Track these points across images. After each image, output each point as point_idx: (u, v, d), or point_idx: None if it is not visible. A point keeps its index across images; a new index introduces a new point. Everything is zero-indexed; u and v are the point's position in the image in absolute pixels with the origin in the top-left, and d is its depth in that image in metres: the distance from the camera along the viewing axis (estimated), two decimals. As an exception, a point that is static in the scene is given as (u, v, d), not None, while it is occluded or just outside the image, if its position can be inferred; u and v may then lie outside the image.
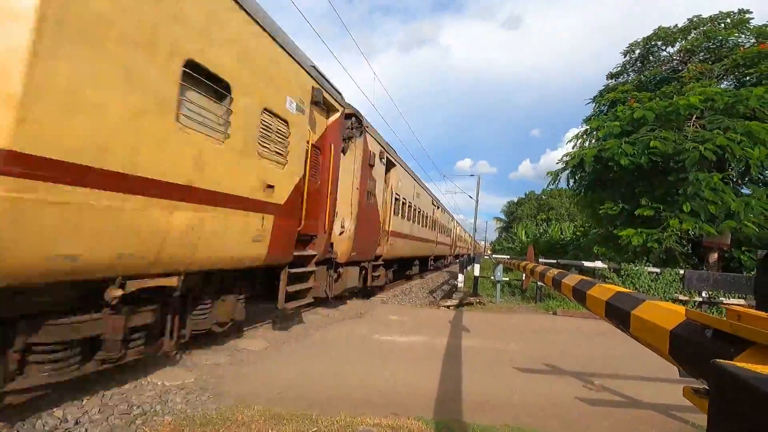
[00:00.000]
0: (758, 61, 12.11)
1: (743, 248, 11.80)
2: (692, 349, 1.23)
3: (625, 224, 11.88)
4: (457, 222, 38.35)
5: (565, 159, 13.31)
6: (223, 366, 4.70)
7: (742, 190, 12.07)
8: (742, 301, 9.94)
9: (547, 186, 14.79)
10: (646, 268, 11.10)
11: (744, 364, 0.79)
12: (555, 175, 13.97)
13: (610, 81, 17.18)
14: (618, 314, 1.85)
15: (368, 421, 3.44)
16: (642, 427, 3.82)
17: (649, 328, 1.53)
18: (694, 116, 11.43)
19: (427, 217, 18.70)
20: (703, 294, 10.39)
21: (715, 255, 11.93)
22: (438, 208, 22.87)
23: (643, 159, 10.92)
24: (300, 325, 7.12)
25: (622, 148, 11.17)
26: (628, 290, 2.04)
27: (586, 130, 14.19)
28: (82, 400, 3.47)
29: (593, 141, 13.92)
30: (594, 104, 16.35)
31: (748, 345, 1.03)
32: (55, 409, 3.26)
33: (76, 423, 3.14)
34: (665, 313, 1.48)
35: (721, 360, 0.77)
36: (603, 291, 2.17)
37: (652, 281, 10.85)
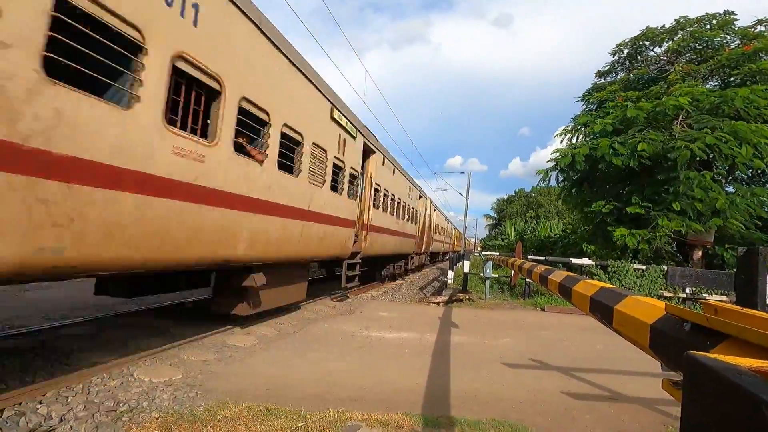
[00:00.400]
0: (743, 62, 12.35)
1: (726, 245, 12.06)
2: (671, 342, 1.26)
3: (616, 223, 12.06)
4: (432, 203, 24.48)
5: (555, 157, 13.41)
6: (211, 363, 4.68)
7: (726, 188, 12.34)
8: (724, 298, 10.17)
9: (537, 184, 14.90)
10: (632, 265, 11.30)
11: (718, 356, 0.81)
12: (545, 173, 14.10)
13: (598, 80, 17.38)
14: (601, 309, 1.88)
15: (357, 417, 3.46)
16: (625, 420, 3.90)
17: (631, 322, 1.56)
18: (680, 116, 11.63)
19: (318, 161, 7.40)
20: (687, 290, 10.60)
21: (699, 252, 12.18)
22: (378, 157, 11.31)
23: (632, 161, 11.10)
24: (289, 322, 7.10)
25: (614, 147, 11.32)
26: (611, 286, 2.08)
27: (575, 125, 14.33)
28: (67, 397, 3.43)
29: (581, 137, 14.08)
30: (583, 102, 16.54)
31: (724, 338, 1.06)
32: (39, 407, 3.22)
33: (61, 420, 3.11)
34: (646, 308, 1.51)
35: (694, 351, 0.79)
36: (587, 287, 2.21)
37: (637, 278, 11.05)
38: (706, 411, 0.71)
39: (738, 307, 1.10)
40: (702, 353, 0.78)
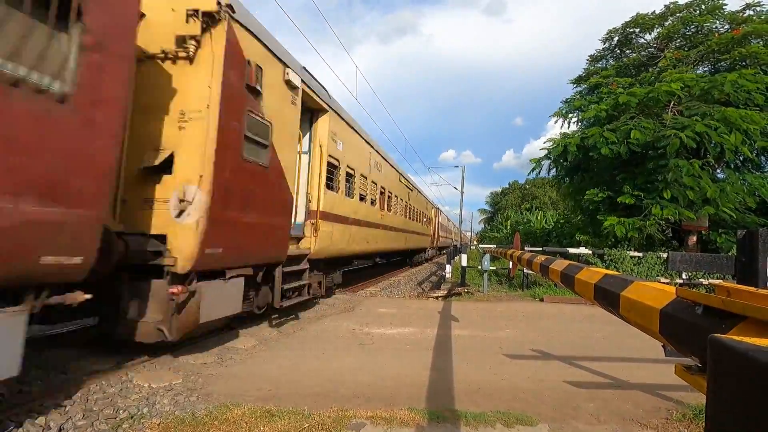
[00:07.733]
0: (732, 47, 12.39)
1: (720, 230, 12.14)
2: (683, 326, 1.23)
3: (608, 211, 12.10)
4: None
5: (548, 146, 13.42)
6: (211, 365, 4.63)
7: (717, 175, 12.40)
8: (719, 282, 10.23)
9: (529, 173, 14.94)
10: (628, 252, 11.35)
11: (742, 338, 0.78)
12: (537, 162, 14.12)
13: (590, 65, 17.36)
14: (607, 296, 1.86)
15: (361, 414, 3.43)
16: (627, 406, 3.90)
17: (639, 308, 1.53)
18: (672, 102, 11.65)
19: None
20: (683, 276, 10.67)
21: (694, 238, 12.26)
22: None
23: (622, 149, 11.13)
24: (290, 322, 7.05)
25: (603, 136, 11.34)
26: (616, 272, 2.05)
27: (569, 107, 14.34)
28: (65, 406, 3.37)
29: (574, 121, 14.19)
30: (575, 86, 16.55)
31: (740, 320, 1.03)
32: (37, 417, 3.15)
33: (60, 430, 3.05)
34: (654, 292, 1.48)
35: (718, 335, 0.76)
36: (591, 274, 2.18)
37: (634, 265, 11.10)
38: (735, 393, 0.68)
39: (752, 288, 1.07)
40: (726, 336, 0.75)
